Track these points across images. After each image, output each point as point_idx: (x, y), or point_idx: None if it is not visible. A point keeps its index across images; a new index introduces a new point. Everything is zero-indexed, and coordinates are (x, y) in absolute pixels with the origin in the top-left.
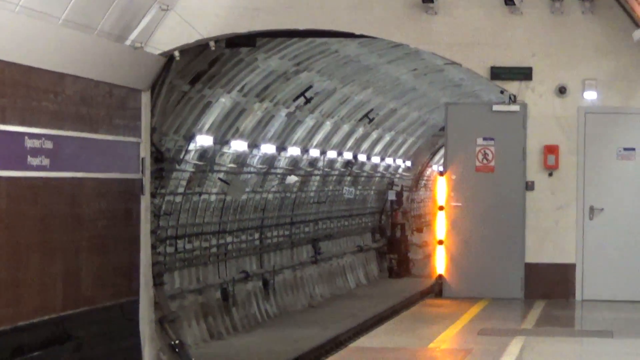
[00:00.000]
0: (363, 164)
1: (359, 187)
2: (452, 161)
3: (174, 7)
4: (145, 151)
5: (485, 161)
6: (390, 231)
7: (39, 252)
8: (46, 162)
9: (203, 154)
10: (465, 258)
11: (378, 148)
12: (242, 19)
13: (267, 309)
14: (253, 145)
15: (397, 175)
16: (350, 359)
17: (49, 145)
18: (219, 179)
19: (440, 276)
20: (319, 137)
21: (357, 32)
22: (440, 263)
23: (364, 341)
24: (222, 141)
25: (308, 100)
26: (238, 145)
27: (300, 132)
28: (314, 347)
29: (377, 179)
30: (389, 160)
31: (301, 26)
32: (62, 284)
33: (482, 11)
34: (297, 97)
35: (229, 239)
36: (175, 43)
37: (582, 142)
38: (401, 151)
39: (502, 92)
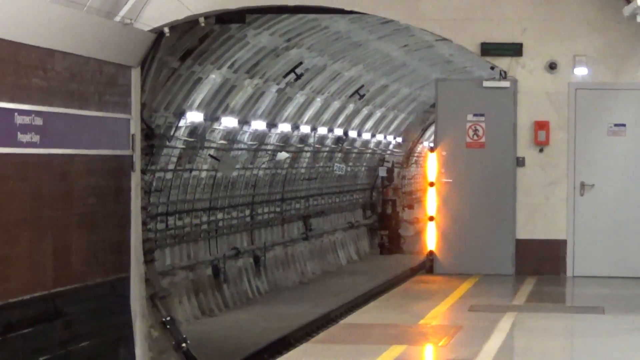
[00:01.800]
0: (354, 140)
1: (350, 164)
2: (443, 137)
3: None
4: (135, 128)
5: (475, 137)
6: (381, 207)
7: (29, 229)
8: (36, 138)
9: (193, 130)
10: (456, 234)
11: (369, 124)
12: None
13: (258, 286)
14: (243, 121)
15: (388, 152)
16: (341, 335)
17: (38, 121)
18: (210, 155)
19: (431, 252)
20: (309, 113)
21: (347, 8)
22: (431, 239)
23: (354, 317)
24: (212, 118)
25: (298, 77)
26: (228, 122)
27: (290, 109)
28: (305, 323)
29: (368, 155)
30: (379, 137)
31: (291, 2)
32: (53, 260)
33: None
34: (288, 74)
35: (219, 215)
36: (165, 19)
37: (573, 118)
38: (392, 127)
39: (492, 68)
